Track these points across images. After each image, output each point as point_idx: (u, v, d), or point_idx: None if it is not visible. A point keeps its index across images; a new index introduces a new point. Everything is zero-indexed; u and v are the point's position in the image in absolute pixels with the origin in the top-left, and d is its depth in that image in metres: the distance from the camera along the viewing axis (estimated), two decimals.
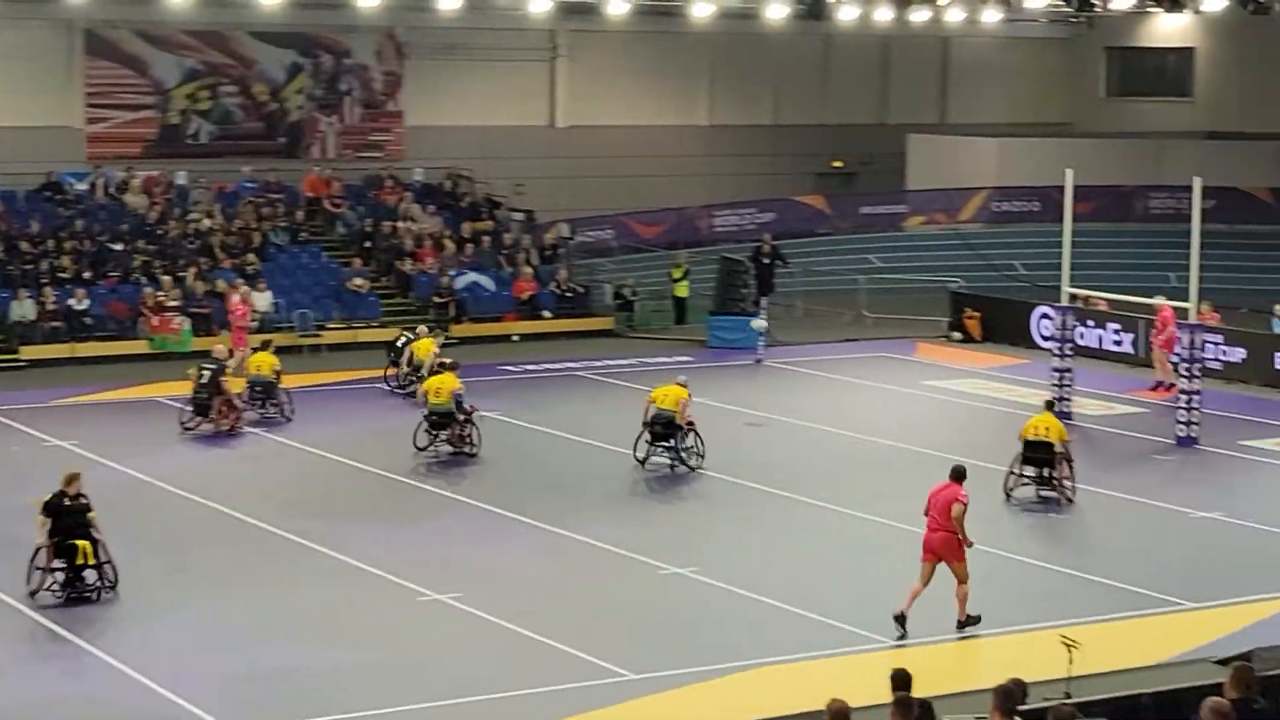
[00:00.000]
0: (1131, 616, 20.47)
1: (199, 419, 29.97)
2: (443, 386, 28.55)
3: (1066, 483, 25.70)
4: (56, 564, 20.69)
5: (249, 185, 42.66)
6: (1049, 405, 27.62)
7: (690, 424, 27.57)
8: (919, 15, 47.34)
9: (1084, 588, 21.54)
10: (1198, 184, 30.58)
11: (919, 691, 13.51)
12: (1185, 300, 30.76)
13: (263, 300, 38.08)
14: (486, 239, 42.56)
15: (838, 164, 53.60)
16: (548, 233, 44.45)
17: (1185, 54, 55.57)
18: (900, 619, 19.63)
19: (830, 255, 47.76)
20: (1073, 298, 33.08)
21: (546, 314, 40.66)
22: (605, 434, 29.86)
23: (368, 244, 41.67)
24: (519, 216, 44.79)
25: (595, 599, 21.30)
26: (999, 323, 39.64)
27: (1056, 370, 31.56)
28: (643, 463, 27.60)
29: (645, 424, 27.44)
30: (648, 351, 37.37)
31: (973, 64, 55.15)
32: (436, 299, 39.75)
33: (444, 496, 25.97)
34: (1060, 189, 32.93)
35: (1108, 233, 48.27)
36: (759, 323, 37.50)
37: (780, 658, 18.89)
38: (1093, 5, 42.11)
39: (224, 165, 43.52)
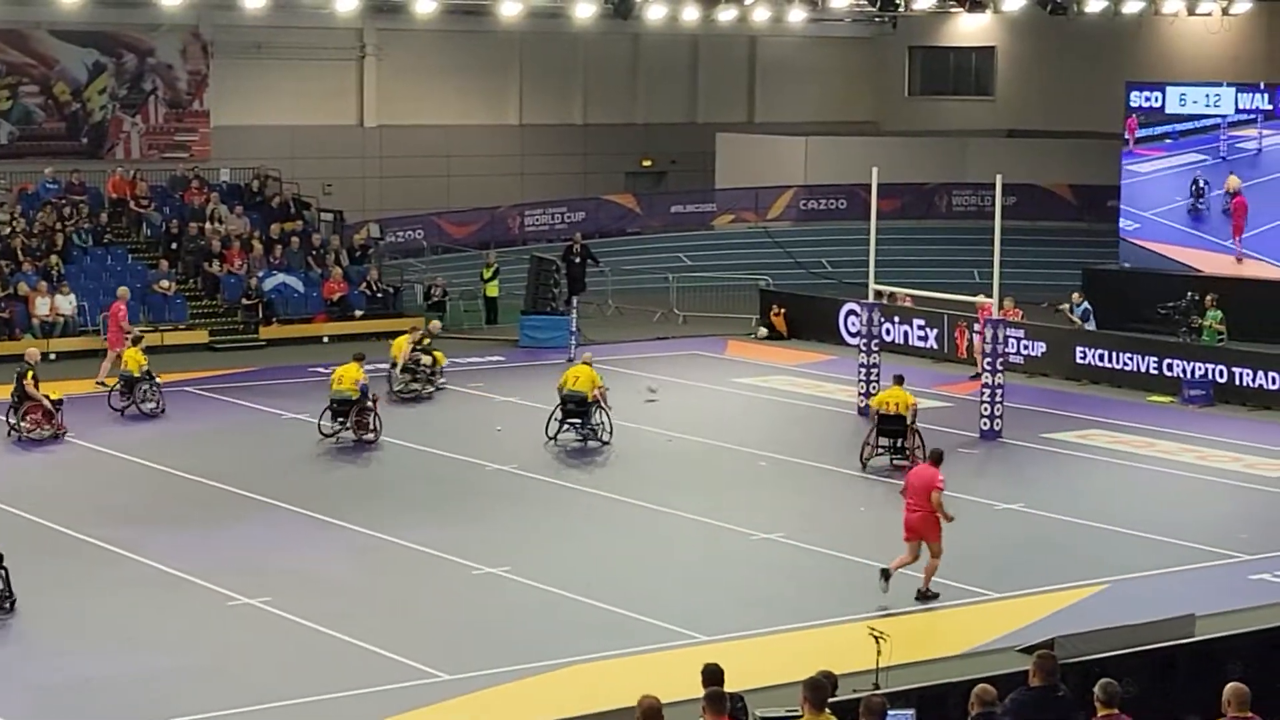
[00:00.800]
0: (938, 608, 20.82)
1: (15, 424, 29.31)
2: (346, 375, 29.46)
3: (917, 452, 26.96)
4: None
5: (51, 186, 41.92)
6: (898, 380, 28.65)
7: (600, 400, 29.26)
8: (726, 15, 47.69)
9: (893, 580, 21.84)
10: (999, 181, 31.21)
11: (731, 686, 13.66)
12: (989, 296, 31.33)
13: (66, 304, 37.49)
14: (295, 240, 42.23)
15: (647, 163, 53.93)
16: (357, 233, 44.21)
17: (986, 53, 56.61)
18: (885, 573, 20.92)
19: (641, 254, 48.02)
20: (879, 294, 33.56)
21: (357, 314, 40.43)
22: (415, 435, 29.82)
23: (174, 246, 41.14)
24: (328, 217, 44.48)
25: (408, 601, 21.27)
26: (807, 320, 40.07)
27: (863, 366, 31.99)
28: (553, 439, 29.18)
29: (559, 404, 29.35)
30: (459, 351, 37.30)
31: (780, 63, 55.74)
32: (245, 301, 39.39)
33: (255, 500, 25.75)
34: (866, 187, 33.42)
35: (912, 230, 49.05)
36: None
37: (593, 655, 18.99)
38: (895, 5, 42.72)
39: (25, 166, 42.78)
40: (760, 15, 43.64)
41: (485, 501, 25.95)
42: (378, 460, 28.70)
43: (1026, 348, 35.74)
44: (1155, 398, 33.47)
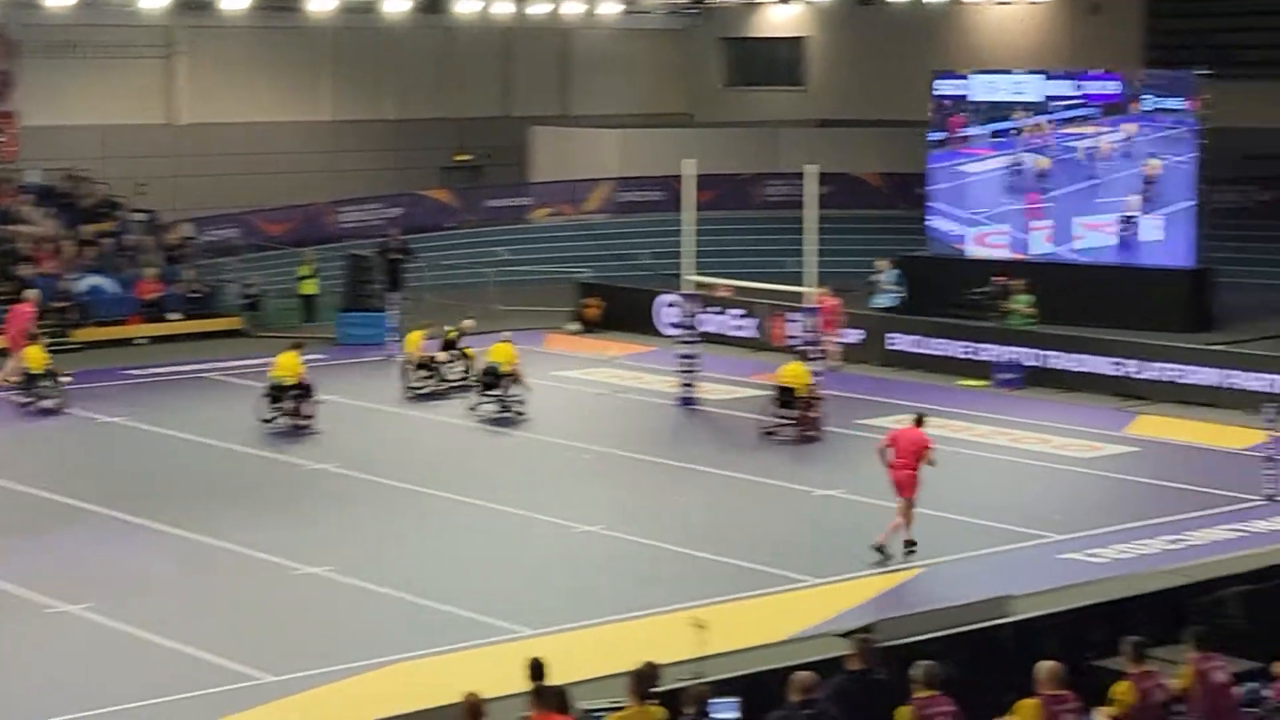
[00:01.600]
0: (759, 595, 21.06)
1: None
2: (283, 362, 30.47)
3: (812, 415, 29.33)
4: None
5: None
6: (801, 355, 30.62)
7: (516, 374, 31.06)
8: (538, 8, 47.78)
9: (712, 569, 22.09)
10: (812, 171, 31.58)
11: (555, 679, 13.76)
12: (803, 285, 31.67)
13: None
14: (108, 240, 41.61)
15: (462, 157, 53.81)
16: (171, 233, 43.65)
17: (797, 44, 57.19)
18: (880, 548, 22.25)
19: (458, 249, 47.92)
20: (696, 285, 33.82)
21: (173, 315, 39.93)
22: (236, 435, 29.59)
23: None
24: (141, 217, 43.86)
25: (230, 603, 21.11)
26: (625, 311, 40.24)
27: (682, 356, 32.22)
28: (473, 409, 31.08)
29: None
30: (277, 350, 36.93)
31: (593, 56, 55.90)
32: (57, 303, 38.72)
33: (71, 505, 25.37)
34: (681, 178, 33.64)
35: (728, 220, 49.32)
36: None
37: (418, 652, 18.98)
38: None
39: None
40: (572, 8, 43.81)
41: (306, 501, 25.80)
42: (197, 461, 28.40)
43: (843, 334, 36.16)
44: (967, 382, 34.05)
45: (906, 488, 22.76)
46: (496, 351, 31.59)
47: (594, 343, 38.83)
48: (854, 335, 36.21)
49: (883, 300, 39.14)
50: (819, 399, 29.74)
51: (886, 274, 38.55)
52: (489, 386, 31.33)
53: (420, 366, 33.29)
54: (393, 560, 22.64)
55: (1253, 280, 43.26)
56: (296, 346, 31.52)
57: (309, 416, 30.27)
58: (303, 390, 30.31)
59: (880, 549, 22.40)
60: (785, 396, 29.61)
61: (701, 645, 16.18)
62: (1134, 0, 49.56)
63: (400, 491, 26.19)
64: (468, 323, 34.84)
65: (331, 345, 38.44)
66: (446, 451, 29.04)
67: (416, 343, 33.44)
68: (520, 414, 30.97)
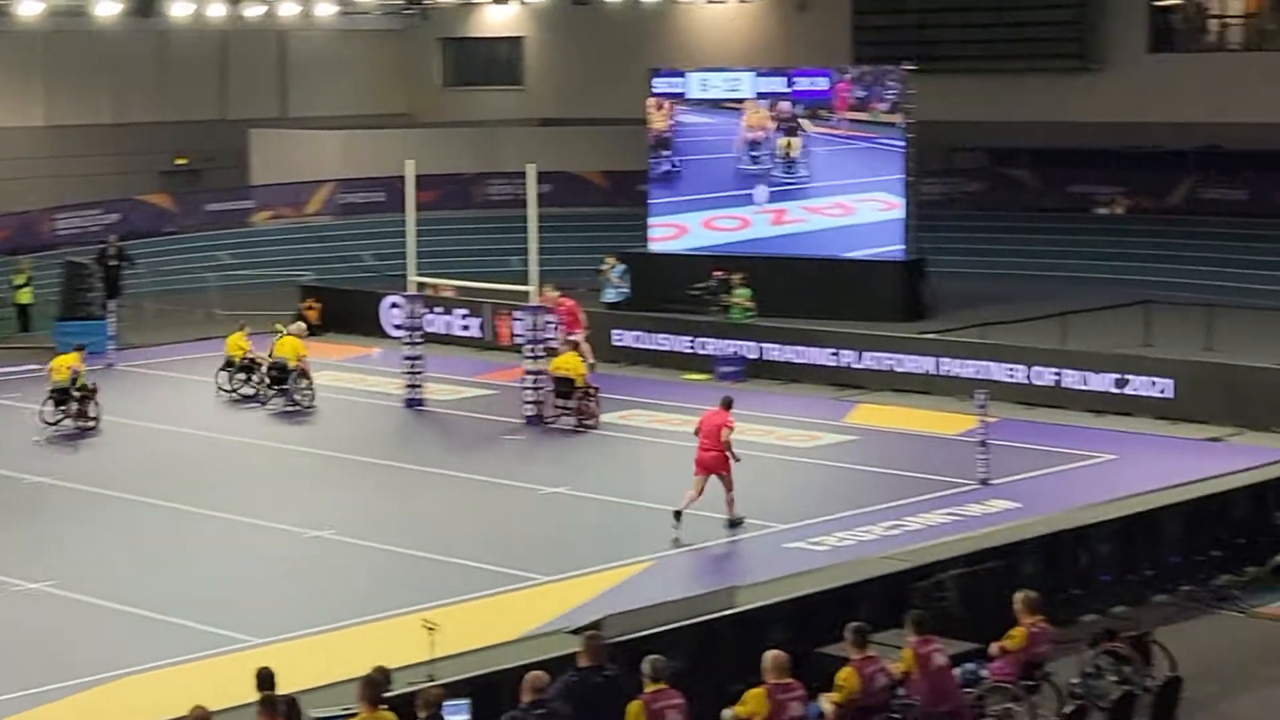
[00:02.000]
0: (490, 595, 21.14)
1: None
2: (60, 364, 30.71)
3: (591, 406, 30.23)
4: None
5: None
6: (573, 345, 31.91)
7: (303, 369, 31.84)
8: (254, 10, 47.23)
9: (442, 570, 22.12)
10: (532, 170, 31.75)
11: (284, 688, 13.71)
12: (527, 284, 31.78)
13: None
14: None
15: (181, 161, 53.02)
16: None
17: (515, 43, 57.40)
18: (678, 514, 23.34)
19: (178, 254, 47.19)
20: (420, 285, 33.77)
21: None
22: None
23: None
24: None
25: None
26: (350, 314, 40.00)
27: (408, 358, 32.15)
28: (228, 390, 32.31)
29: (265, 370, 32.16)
30: None
31: (311, 58, 55.48)
32: None
33: None
34: (403, 179, 33.58)
35: (451, 220, 49.32)
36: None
37: (144, 666, 18.70)
38: None
39: None
40: (288, 10, 43.40)
41: (25, 516, 25.25)
42: None
43: (585, 332, 36.33)
44: (691, 376, 34.49)
45: (707, 468, 23.80)
46: (282, 345, 32.24)
47: (319, 345, 38.41)
48: (579, 334, 36.27)
49: (610, 296, 39.49)
50: (595, 389, 30.56)
51: (614, 270, 39.00)
52: (276, 381, 32.05)
53: (241, 369, 33.06)
54: (117, 573, 22.27)
55: (962, 270, 44.50)
56: (79, 348, 31.74)
57: (94, 418, 30.50)
58: (87, 392, 30.59)
59: (732, 522, 23.77)
60: (563, 387, 30.36)
61: (433, 647, 16.24)
62: None
63: (123, 502, 25.73)
64: (295, 327, 34.50)
65: (50, 355, 37.51)
66: (159, 460, 28.58)
67: (238, 344, 33.08)
68: (310, 406, 31.83)
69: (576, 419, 30.23)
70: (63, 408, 30.45)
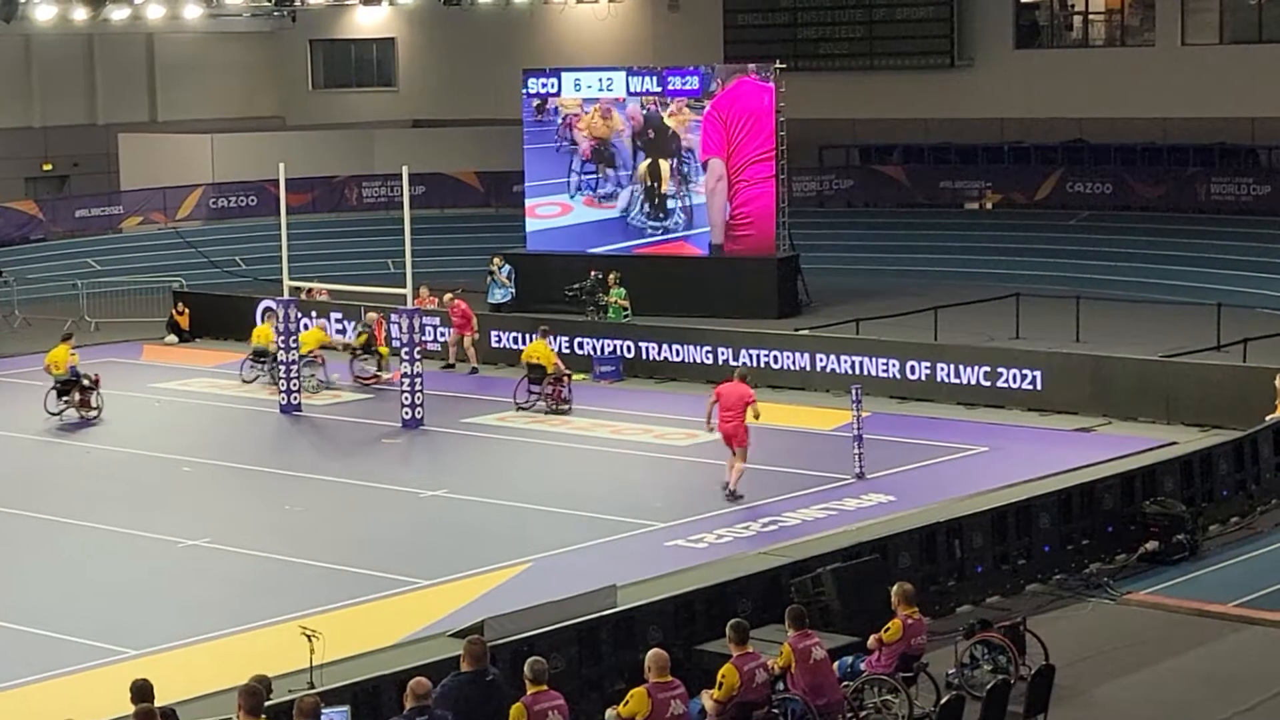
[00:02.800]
0: (370, 600, 21.08)
1: None
2: (57, 357, 31.48)
3: (563, 392, 31.24)
4: None
5: None
6: (545, 333, 32.38)
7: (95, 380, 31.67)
8: (119, 13, 46.74)
9: (322, 576, 22.03)
10: (406, 172, 31.68)
11: (162, 699, 13.62)
12: (403, 286, 31.68)
13: None
14: None
15: (48, 167, 52.44)
16: None
17: (387, 44, 57.27)
18: (732, 494, 24.84)
19: (47, 261, 46.66)
20: (295, 290, 33.57)
21: None
22: None
23: None
24: None
25: None
26: (224, 319, 39.68)
27: (282, 364, 31.96)
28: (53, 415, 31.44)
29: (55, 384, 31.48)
30: None
31: (180, 61, 55.03)
32: None
33: None
34: (276, 182, 33.41)
35: (325, 223, 49.22)
36: None
37: (16, 681, 18.44)
38: (291, 1, 42.68)
39: None
40: (155, 12, 43.01)
41: None
42: None
43: (443, 334, 36.32)
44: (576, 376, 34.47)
45: (737, 438, 24.95)
46: (56, 359, 31.79)
47: (192, 352, 38.21)
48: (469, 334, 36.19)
49: (497, 296, 39.46)
50: (568, 375, 31.73)
51: (502, 269, 39.00)
52: (62, 393, 31.52)
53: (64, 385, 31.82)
54: None
55: (836, 266, 44.87)
56: (66, 338, 32.47)
57: (96, 408, 31.43)
58: (82, 381, 31.47)
59: (733, 494, 24.89)
60: (535, 374, 31.42)
61: (313, 654, 16.20)
62: None
63: None
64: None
65: None
66: (38, 470, 28.28)
67: (63, 357, 32.00)
68: (96, 418, 31.37)
69: (550, 404, 31.19)
70: (65, 399, 31.41)
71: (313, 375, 33.53)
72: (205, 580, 22.32)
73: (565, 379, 31.64)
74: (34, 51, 52.00)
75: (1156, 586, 20.95)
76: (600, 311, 37.41)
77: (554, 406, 31.23)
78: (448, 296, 34.95)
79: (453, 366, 35.32)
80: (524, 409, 31.31)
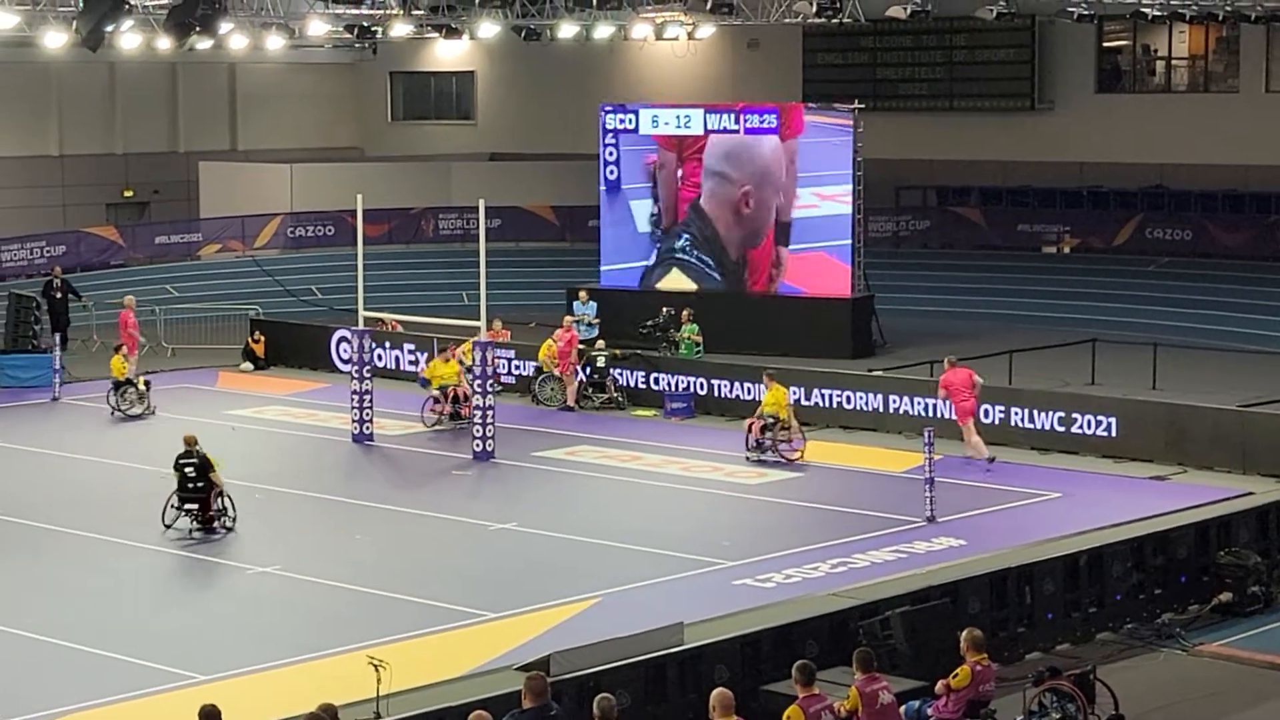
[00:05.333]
0: (437, 631, 21.10)
1: None
2: (117, 365, 34.09)
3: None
4: None
5: None
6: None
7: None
8: (204, 43, 47.09)
9: (390, 606, 22.07)
10: (482, 205, 31.79)
11: None
12: (477, 318, 31.74)
13: None
14: None
15: (129, 194, 52.90)
16: None
17: (466, 78, 57.52)
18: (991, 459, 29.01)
19: (126, 287, 46.97)
20: (370, 320, 33.73)
21: None
22: None
23: None
24: None
25: None
26: (299, 348, 39.90)
27: (356, 393, 32.08)
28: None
29: None
30: None
31: (261, 91, 55.45)
32: None
33: None
34: (353, 213, 33.58)
35: (401, 254, 49.42)
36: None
37: (85, 704, 18.53)
38: (373, 32, 42.93)
39: None
40: (238, 42, 43.38)
41: None
42: None
43: (518, 367, 36.39)
44: (640, 411, 34.51)
45: (968, 413, 29.16)
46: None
47: (267, 380, 38.42)
48: (530, 367, 36.23)
49: (585, 332, 39.04)
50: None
51: (586, 306, 38.75)
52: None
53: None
54: (58, 609, 22.13)
55: (911, 307, 44.73)
56: (118, 349, 34.78)
57: (152, 408, 34.10)
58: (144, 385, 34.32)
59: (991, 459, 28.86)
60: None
61: (380, 684, 16.22)
62: (790, 36, 50.86)
63: (65, 537, 25.59)
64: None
65: None
66: (116, 494, 28.45)
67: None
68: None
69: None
70: (124, 396, 34.08)
71: (443, 409, 33.02)
72: (274, 608, 22.42)
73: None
74: (118, 79, 52.52)
75: (1229, 638, 20.75)
76: (673, 347, 37.36)
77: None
78: (496, 323, 34.88)
79: (571, 409, 35.04)
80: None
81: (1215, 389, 33.71)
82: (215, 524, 25.47)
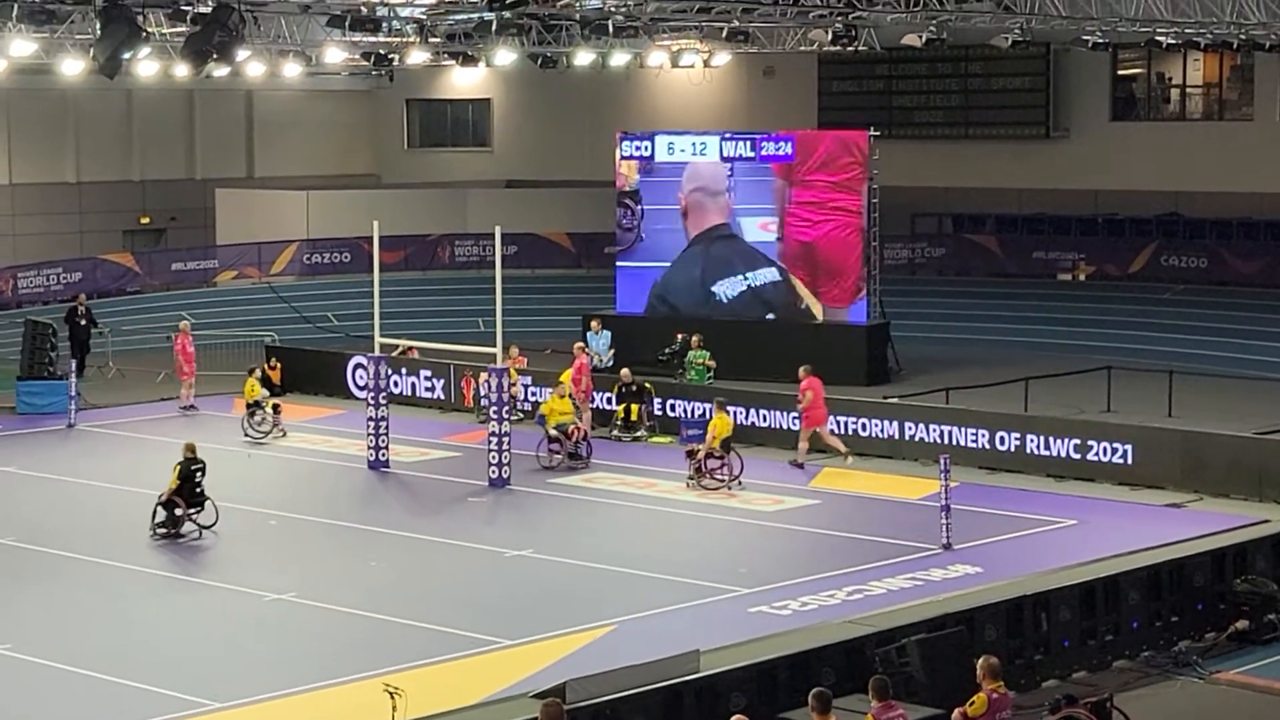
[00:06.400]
0: (453, 658, 21.09)
1: None
2: (250, 388, 34.62)
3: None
4: None
5: None
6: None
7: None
8: (220, 70, 47.26)
9: (406, 633, 22.08)
10: (498, 231, 31.84)
11: None
12: (493, 345, 31.78)
13: None
14: None
15: (145, 220, 53.05)
16: None
17: (483, 105, 57.67)
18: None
19: (142, 313, 47.15)
20: (385, 346, 33.77)
21: None
22: None
23: None
24: None
25: None
26: (315, 374, 39.96)
27: (372, 420, 32.11)
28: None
29: None
30: None
31: (277, 118, 55.61)
32: None
33: None
34: (369, 239, 33.66)
35: (417, 281, 49.50)
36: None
37: None
38: (390, 59, 43.07)
39: None
40: (255, 70, 43.53)
41: None
42: None
43: (535, 394, 36.39)
44: (656, 439, 34.49)
45: (821, 420, 31.06)
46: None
47: (283, 407, 38.38)
48: (546, 393, 36.17)
49: (603, 360, 38.90)
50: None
51: (599, 335, 38.68)
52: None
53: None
54: (75, 636, 22.16)
55: (926, 334, 44.73)
56: (251, 371, 35.31)
57: (282, 430, 34.82)
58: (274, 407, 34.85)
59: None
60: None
61: (395, 712, 16.21)
62: (806, 64, 50.94)
63: (81, 564, 25.62)
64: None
65: (10, 415, 37.46)
66: (129, 521, 28.46)
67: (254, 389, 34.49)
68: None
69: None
70: (257, 418, 34.46)
71: (562, 450, 32.17)
72: (290, 635, 22.43)
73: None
74: (136, 106, 52.70)
75: (1246, 666, 20.70)
76: (683, 373, 37.25)
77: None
78: (512, 349, 34.84)
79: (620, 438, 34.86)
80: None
81: (1231, 416, 33.67)
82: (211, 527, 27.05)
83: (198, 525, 26.89)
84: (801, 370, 31.73)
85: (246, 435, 34.51)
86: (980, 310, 47.27)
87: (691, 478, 30.40)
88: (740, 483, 30.13)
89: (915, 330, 44.09)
